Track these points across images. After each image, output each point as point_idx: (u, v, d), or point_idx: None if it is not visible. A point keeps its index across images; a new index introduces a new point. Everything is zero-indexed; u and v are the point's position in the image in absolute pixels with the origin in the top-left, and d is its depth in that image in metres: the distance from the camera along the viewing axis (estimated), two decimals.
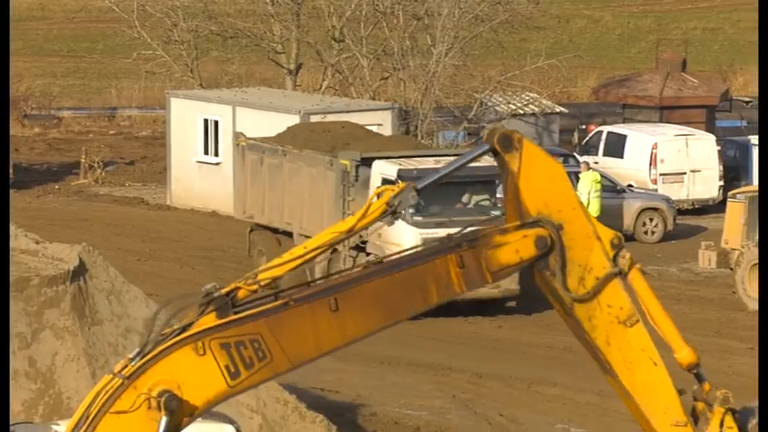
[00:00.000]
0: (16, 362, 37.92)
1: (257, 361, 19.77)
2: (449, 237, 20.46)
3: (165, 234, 68.16)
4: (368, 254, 57.04)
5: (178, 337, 19.16)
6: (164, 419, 18.96)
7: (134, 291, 40.11)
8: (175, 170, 72.93)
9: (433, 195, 52.65)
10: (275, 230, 60.26)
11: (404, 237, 54.75)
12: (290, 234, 59.30)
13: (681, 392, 19.29)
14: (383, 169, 57.19)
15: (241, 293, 19.02)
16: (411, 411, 43.75)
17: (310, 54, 77.95)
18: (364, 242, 56.07)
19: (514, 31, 77.21)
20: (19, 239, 40.12)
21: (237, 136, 65.02)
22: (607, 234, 20.45)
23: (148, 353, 19.06)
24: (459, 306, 46.94)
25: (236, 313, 19.03)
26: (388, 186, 20.05)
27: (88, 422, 19.04)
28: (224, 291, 19.05)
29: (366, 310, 20.43)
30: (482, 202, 57.33)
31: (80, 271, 38.77)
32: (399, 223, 49.23)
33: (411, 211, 54.37)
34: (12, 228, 41.65)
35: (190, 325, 18.39)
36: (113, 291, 40.51)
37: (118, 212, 71.37)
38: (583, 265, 20.80)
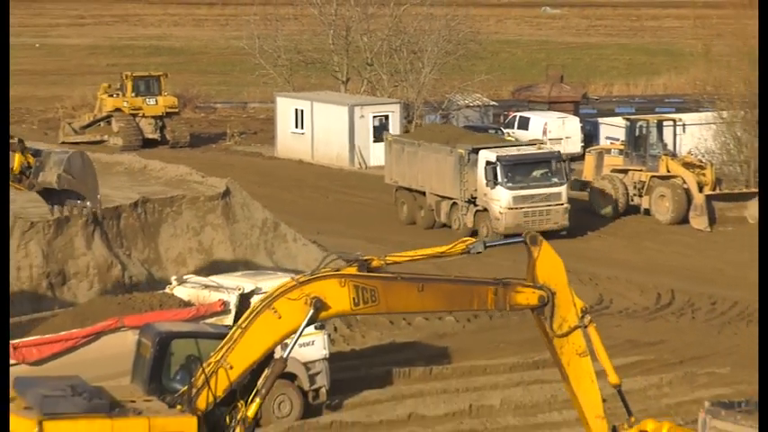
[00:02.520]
0: (189, 242, 49.64)
1: (370, 302, 26.82)
2: (496, 279, 28.18)
3: (273, 172, 77.85)
4: (477, 206, 62.71)
5: (334, 273, 26.81)
6: (310, 312, 26.14)
7: (256, 204, 52.34)
8: (279, 137, 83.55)
9: (515, 171, 61.73)
10: (411, 190, 66.09)
11: (501, 195, 61.17)
12: (422, 192, 65.33)
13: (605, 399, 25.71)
14: (487, 155, 62.26)
15: (375, 263, 27.05)
16: None
17: (354, 72, 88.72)
18: (474, 197, 62.33)
19: (467, 59, 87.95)
20: (193, 176, 53.70)
21: (386, 134, 72.78)
22: (579, 303, 28.38)
23: (316, 275, 26.65)
24: None
25: (369, 272, 26.85)
26: (466, 239, 28.18)
27: (270, 299, 26.07)
28: (364, 258, 27.45)
29: (437, 297, 27.86)
30: (543, 174, 62.62)
31: (226, 193, 51.12)
32: (498, 187, 60.19)
33: (505, 179, 61.38)
34: (188, 168, 55.65)
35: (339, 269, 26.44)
36: (244, 204, 52.05)
37: (247, 161, 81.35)
38: (563, 317, 27.97)
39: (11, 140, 37.56)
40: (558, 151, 64.62)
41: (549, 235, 53.12)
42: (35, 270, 45.62)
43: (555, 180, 61.58)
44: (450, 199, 61.87)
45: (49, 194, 37.98)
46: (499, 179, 59.95)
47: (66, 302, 44.01)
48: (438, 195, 63.41)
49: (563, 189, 61.72)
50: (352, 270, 26.71)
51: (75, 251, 46.80)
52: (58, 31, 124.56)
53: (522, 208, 60.54)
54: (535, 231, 43.96)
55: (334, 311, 26.79)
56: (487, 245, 28.41)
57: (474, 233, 59.92)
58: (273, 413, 33.94)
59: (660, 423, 20.74)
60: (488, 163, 61.11)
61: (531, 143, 68.93)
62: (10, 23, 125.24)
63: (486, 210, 60.47)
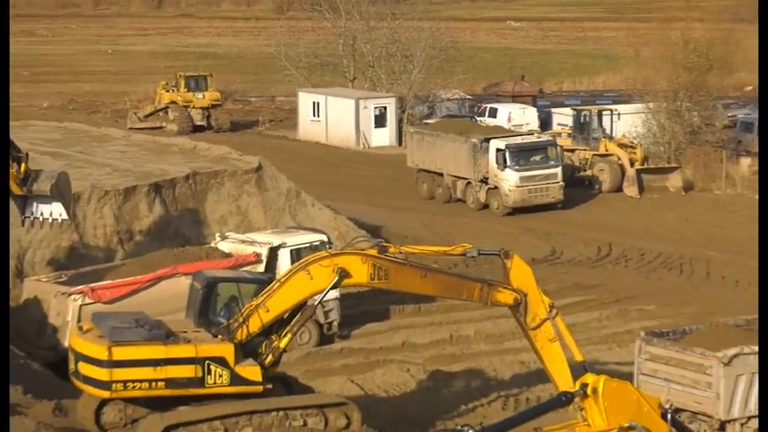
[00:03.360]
0: (230, 207, 49.00)
1: (383, 279, 27.18)
2: (483, 279, 28.58)
3: (295, 151, 75.38)
4: (488, 185, 60.80)
5: (359, 251, 27.24)
6: (335, 279, 26.71)
7: (282, 177, 51.51)
8: (300, 124, 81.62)
9: (520, 156, 59.97)
10: (430, 172, 64.09)
11: (510, 175, 59.67)
12: (440, 174, 63.37)
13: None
14: (497, 143, 60.63)
15: (391, 249, 27.58)
16: None
17: (359, 72, 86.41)
18: (486, 178, 60.58)
19: (448, 62, 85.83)
20: (232, 154, 52.72)
21: (407, 128, 72.80)
22: (547, 300, 28.09)
23: (345, 251, 27.46)
24: None
25: (385, 255, 27.12)
26: (465, 244, 28.24)
27: (306, 263, 26.64)
28: (384, 244, 28.07)
29: (435, 285, 28.30)
30: (542, 158, 60.86)
31: (258, 167, 50.57)
32: (507, 169, 58.50)
33: (513, 163, 59.78)
34: (228, 149, 54.80)
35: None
36: (272, 176, 51.30)
37: (275, 142, 79.10)
38: (534, 312, 27.90)
39: (19, 154, 36.77)
40: (554, 139, 64.01)
41: (546, 207, 59.54)
42: (108, 229, 45.40)
43: (552, 163, 60.70)
44: (465, 179, 60.99)
45: (25, 201, 36.71)
46: (508, 163, 59.16)
47: (132, 254, 43.72)
48: (454, 176, 62.15)
49: (558, 170, 60.87)
50: (373, 252, 27.08)
51: (140, 214, 46.49)
52: (126, 40, 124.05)
53: (526, 186, 59.69)
54: (537, 203, 54.62)
55: (354, 281, 27.13)
56: (480, 253, 28.26)
57: (486, 206, 59.82)
58: (296, 342, 33.27)
59: (599, 377, 19.92)
60: (498, 150, 60.11)
61: (529, 133, 67.72)
62: (89, 35, 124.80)
63: (496, 188, 59.71)
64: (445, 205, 61.34)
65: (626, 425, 19.24)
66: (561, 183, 60.37)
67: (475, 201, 60.70)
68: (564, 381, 27.86)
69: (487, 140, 60.51)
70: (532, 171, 59.35)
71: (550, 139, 63.35)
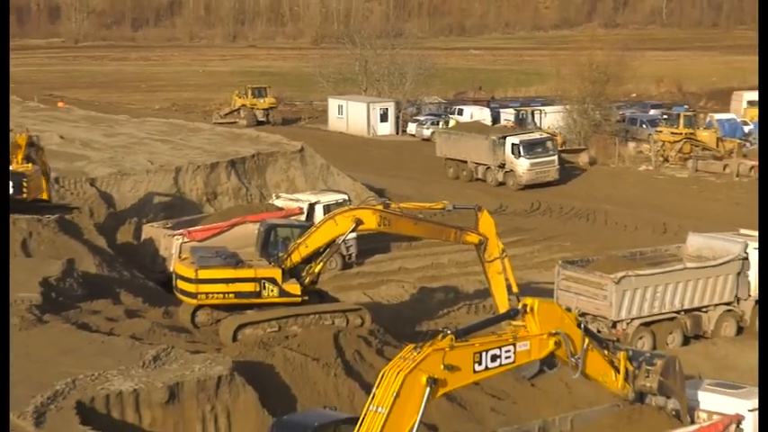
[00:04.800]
0: (281, 176, 47.87)
1: (387, 225, 27.27)
2: (457, 226, 28.22)
3: (325, 138, 70.92)
4: (505, 169, 57.44)
5: (370, 206, 26.91)
6: (353, 225, 26.43)
7: (317, 155, 51.01)
8: (330, 119, 78.81)
9: (529, 148, 57.08)
10: (455, 160, 59.82)
11: (523, 162, 56.80)
12: (464, 161, 59.40)
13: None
14: (513, 139, 57.40)
15: (392, 205, 27.58)
16: None
17: (369, 85, 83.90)
18: (503, 164, 57.44)
19: (430, 78, 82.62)
20: (283, 140, 52.58)
21: (437, 129, 69.16)
22: (501, 245, 28.32)
23: (360, 206, 27.36)
24: None
25: (388, 209, 27.04)
26: (444, 202, 28.46)
27: (334, 214, 26.70)
28: (388, 201, 27.99)
29: (424, 230, 28.32)
30: (544, 149, 57.60)
31: (301, 149, 50.43)
32: (521, 158, 55.73)
33: (524, 153, 56.74)
34: (280, 136, 54.66)
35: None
36: (311, 155, 50.85)
37: (312, 132, 74.17)
38: (491, 252, 28.27)
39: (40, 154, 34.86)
40: (552, 136, 61.78)
41: (546, 183, 56.73)
42: (198, 191, 45.87)
43: (550, 153, 57.68)
44: (485, 165, 58.37)
45: (39, 206, 34.42)
46: (521, 153, 56.92)
47: (215, 208, 43.71)
48: (476, 163, 58.69)
49: (555, 158, 57.80)
50: (380, 207, 27.21)
51: (221, 181, 46.48)
52: (212, 63, 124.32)
53: (534, 169, 56.84)
54: (542, 181, 52.57)
55: (366, 228, 27.11)
56: (455, 207, 28.62)
57: (501, 183, 57.27)
58: (327, 267, 32.95)
59: (534, 299, 19.60)
60: (514, 144, 57.01)
61: (531, 130, 63.07)
62: (186, 60, 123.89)
63: (512, 171, 57.31)
64: (468, 183, 58.79)
65: (553, 331, 19.11)
66: (557, 166, 58.19)
67: (493, 180, 57.87)
68: (502, 302, 28.17)
69: (504, 137, 57.83)
70: (538, 159, 57.15)
71: (549, 136, 61.07)
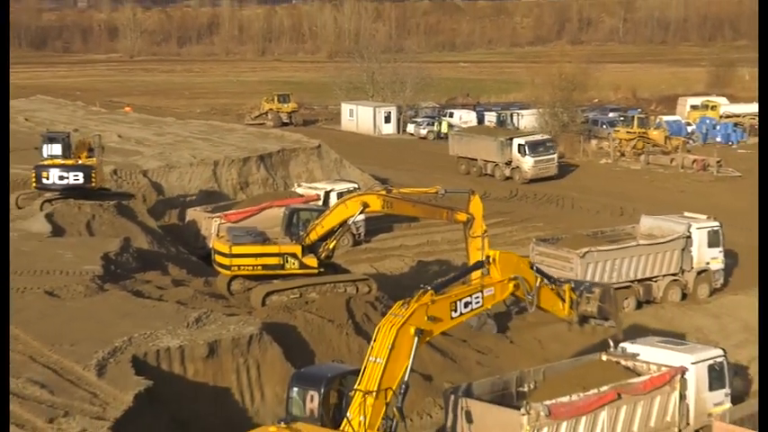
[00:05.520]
0: (302, 168, 47.10)
1: (389, 207, 26.68)
2: (449, 206, 27.53)
3: (339, 137, 67.52)
4: (512, 166, 55.23)
5: (375, 192, 26.67)
6: (361, 207, 25.93)
7: (332, 151, 50.57)
8: (342, 121, 76.40)
9: (533, 147, 55.13)
10: (466, 158, 57.55)
11: (528, 160, 54.84)
12: (474, 159, 57.09)
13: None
14: (519, 141, 55.49)
15: (394, 191, 27.38)
16: None
17: (375, 92, 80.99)
18: (510, 161, 55.27)
19: (426, 86, 79.92)
20: (304, 139, 52.67)
21: (451, 131, 64.84)
22: (484, 227, 27.71)
23: (366, 192, 27.70)
24: None
25: (390, 194, 26.46)
26: (437, 186, 27.40)
27: (345, 199, 26.43)
28: (390, 188, 27.76)
29: (421, 210, 27.90)
30: (545, 148, 55.68)
31: (318, 146, 48.77)
32: (526, 156, 53.46)
33: (529, 152, 54.55)
34: (301, 135, 54.56)
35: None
36: (326, 151, 50.52)
37: (328, 132, 71.58)
38: (475, 230, 27.83)
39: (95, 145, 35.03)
40: (552, 137, 59.99)
41: (547, 178, 54.50)
42: (233, 180, 45.99)
43: (551, 151, 55.67)
44: (494, 162, 56.59)
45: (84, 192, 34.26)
46: (526, 152, 55.30)
47: (247, 195, 43.34)
48: (485, 160, 56.43)
49: (554, 156, 55.71)
50: (383, 192, 27.21)
51: (252, 172, 46.43)
52: (244, 74, 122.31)
53: (537, 166, 54.87)
54: (544, 176, 50.10)
55: (372, 210, 26.90)
56: (447, 191, 28.28)
57: (508, 178, 55.23)
58: (340, 244, 32.89)
59: (495, 251, 19.93)
60: (520, 144, 54.99)
61: (533, 132, 60.10)
62: (223, 71, 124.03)
63: (518, 167, 55.70)
64: (478, 178, 56.91)
65: (512, 276, 19.42)
66: (556, 163, 55.93)
67: (501, 175, 55.85)
68: (476, 274, 27.58)
69: (510, 139, 55.91)
70: (540, 157, 55.50)
71: (550, 137, 59.36)
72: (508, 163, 55.68)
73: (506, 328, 26.82)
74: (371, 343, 16.98)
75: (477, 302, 18.44)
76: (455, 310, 18.13)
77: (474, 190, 28.44)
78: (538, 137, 57.87)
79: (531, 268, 20.31)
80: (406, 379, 16.89)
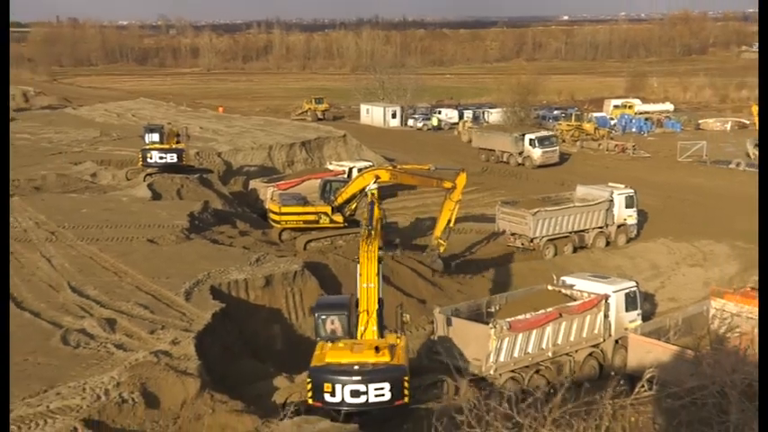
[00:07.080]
0: (332, 152, 44.92)
1: (395, 178, 25.45)
2: (439, 178, 24.92)
3: (359, 129, 64.85)
4: (523, 155, 49.67)
5: (384, 167, 25.51)
6: (374, 178, 24.30)
7: (353, 139, 48.13)
8: (361, 117, 73.06)
9: (541, 141, 49.84)
10: (486, 149, 52.37)
11: (537, 151, 50.01)
12: (492, 150, 51.82)
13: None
14: (530, 136, 50.90)
15: (398, 166, 25.89)
16: None
17: (385, 96, 79.08)
18: (522, 152, 49.99)
19: (422, 92, 79.10)
20: (333, 130, 50.92)
21: (474, 129, 58.69)
22: (459, 197, 25.46)
23: (379, 167, 25.91)
24: None
25: (396, 168, 25.01)
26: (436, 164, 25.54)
27: (363, 171, 25.03)
28: (395, 164, 26.78)
29: (420, 180, 26.21)
30: (550, 141, 50.96)
31: (344, 135, 47.87)
32: (536, 148, 48.37)
33: (538, 144, 49.40)
34: (331, 127, 52.77)
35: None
36: (349, 139, 48.29)
37: (350, 125, 68.96)
38: (453, 196, 25.81)
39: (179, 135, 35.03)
40: (555, 133, 54.07)
41: (552, 163, 49.99)
42: (282, 160, 44.38)
43: (554, 144, 50.57)
44: (509, 152, 52.32)
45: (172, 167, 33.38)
46: (536, 145, 51.59)
47: (292, 171, 42.04)
48: (501, 151, 51.24)
49: (557, 147, 50.77)
50: (390, 167, 26.77)
51: (296, 154, 45.26)
52: (290, 83, 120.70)
53: (544, 155, 49.86)
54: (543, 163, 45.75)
55: (382, 180, 25.61)
56: (437, 168, 26.51)
57: (521, 165, 50.02)
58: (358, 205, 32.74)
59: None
60: (530, 139, 50.14)
61: (541, 129, 55.39)
62: (273, 81, 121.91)
63: (528, 156, 51.66)
64: (496, 164, 52.54)
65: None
66: (558, 152, 51.03)
67: (514, 162, 52.38)
68: (438, 228, 26.55)
69: (523, 135, 51.13)
70: (546, 148, 51.73)
71: (555, 132, 55.90)
72: (520, 153, 51.76)
73: (449, 267, 26.19)
74: (359, 271, 16.27)
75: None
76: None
77: (463, 168, 27.41)
78: (544, 133, 55.20)
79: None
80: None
